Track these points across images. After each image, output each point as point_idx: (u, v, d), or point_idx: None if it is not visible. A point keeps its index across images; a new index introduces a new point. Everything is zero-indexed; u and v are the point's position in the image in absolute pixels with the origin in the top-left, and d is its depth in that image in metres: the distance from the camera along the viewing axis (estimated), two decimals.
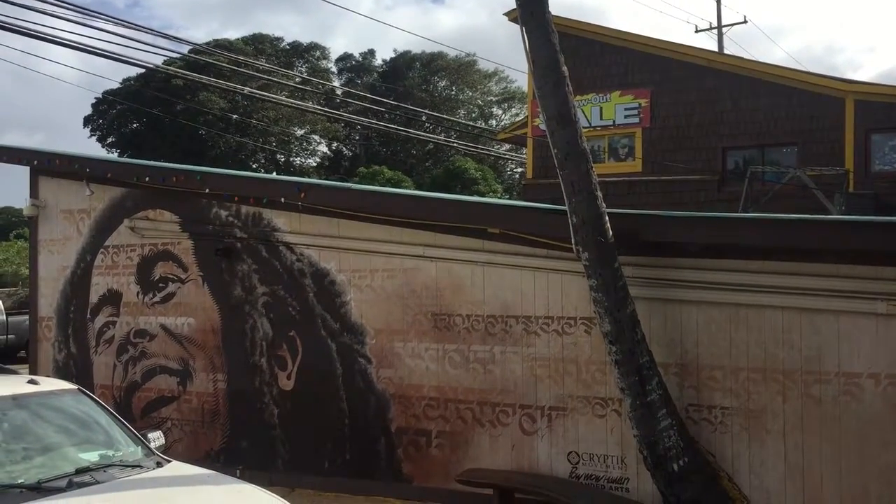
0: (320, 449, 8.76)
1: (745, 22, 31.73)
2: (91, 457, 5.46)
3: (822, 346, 6.58)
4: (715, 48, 30.06)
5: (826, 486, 6.52)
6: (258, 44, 47.88)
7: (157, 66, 25.34)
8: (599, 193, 6.83)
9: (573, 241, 6.83)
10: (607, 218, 6.80)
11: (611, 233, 6.77)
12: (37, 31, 14.10)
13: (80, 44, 15.25)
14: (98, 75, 49.98)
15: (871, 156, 16.40)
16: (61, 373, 10.32)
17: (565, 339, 7.56)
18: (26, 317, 13.88)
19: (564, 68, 6.87)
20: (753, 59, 18.59)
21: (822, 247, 6.58)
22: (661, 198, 17.17)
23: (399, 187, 30.48)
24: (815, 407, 6.58)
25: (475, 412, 8.00)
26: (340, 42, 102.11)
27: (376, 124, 33.68)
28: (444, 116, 43.02)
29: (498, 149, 37.49)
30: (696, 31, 37.30)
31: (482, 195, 33.23)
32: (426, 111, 39.59)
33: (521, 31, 6.92)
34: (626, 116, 18.50)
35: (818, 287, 6.57)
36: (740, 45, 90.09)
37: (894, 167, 16.43)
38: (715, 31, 31.86)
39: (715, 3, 38.17)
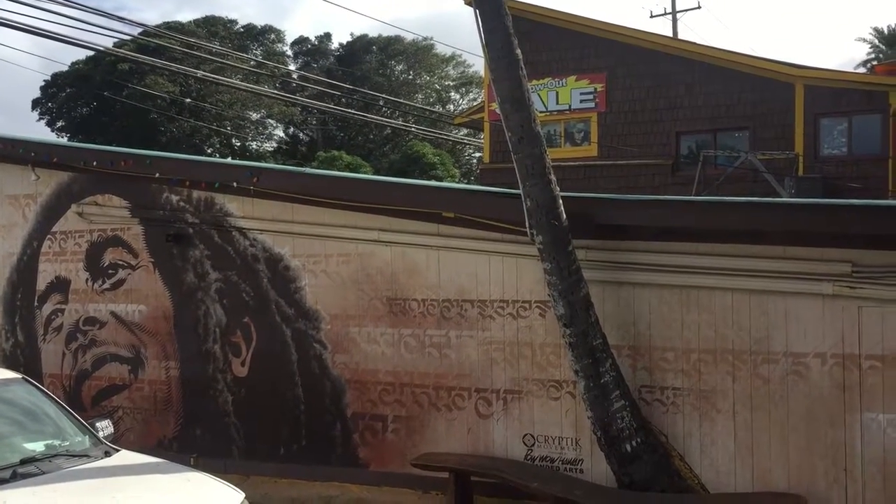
0: (276, 436, 8.69)
1: (699, 7, 32.12)
2: (37, 447, 5.37)
3: (770, 326, 6.69)
4: (670, 33, 30.36)
5: (774, 464, 6.66)
6: (210, 26, 46.99)
7: (109, 49, 24.80)
8: (553, 177, 6.85)
9: (527, 224, 6.84)
10: (561, 201, 6.82)
11: (564, 216, 6.79)
12: None
13: (30, 26, 14.84)
14: (50, 59, 48.73)
15: (820, 140, 16.73)
16: (8, 362, 10.08)
17: (520, 322, 7.59)
18: None
19: (518, 51, 6.85)
20: (707, 44, 18.78)
21: (771, 229, 6.69)
22: (616, 182, 17.34)
23: (357, 172, 30.27)
24: (764, 386, 6.70)
25: (431, 396, 8.00)
26: (296, 25, 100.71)
27: (333, 108, 33.34)
28: (402, 101, 42.78)
29: (456, 133, 37.47)
30: (651, 17, 37.64)
31: (440, 180, 33.17)
32: (384, 95, 39.30)
33: (475, 13, 6.88)
34: (581, 101, 18.61)
35: (766, 269, 6.68)
36: (694, 31, 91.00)
37: (842, 151, 16.78)
38: (670, 16, 32.21)
39: None
